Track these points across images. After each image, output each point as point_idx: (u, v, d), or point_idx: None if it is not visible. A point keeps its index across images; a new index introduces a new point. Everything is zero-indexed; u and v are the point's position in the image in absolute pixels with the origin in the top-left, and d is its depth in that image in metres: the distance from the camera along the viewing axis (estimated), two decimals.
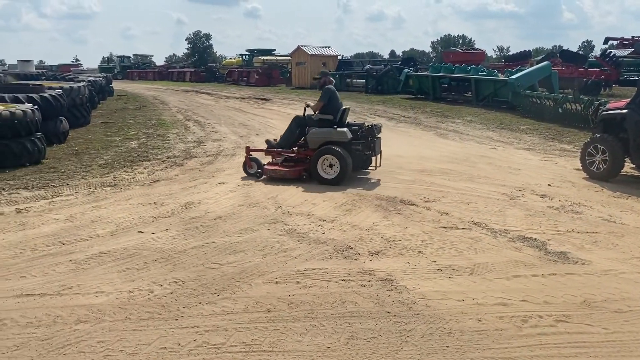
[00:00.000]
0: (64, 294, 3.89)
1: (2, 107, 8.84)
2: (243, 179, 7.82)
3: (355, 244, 4.98)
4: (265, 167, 7.86)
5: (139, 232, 5.35)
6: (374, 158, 7.98)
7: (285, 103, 22.02)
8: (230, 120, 15.79)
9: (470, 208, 6.27)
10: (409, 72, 24.57)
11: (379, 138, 8.06)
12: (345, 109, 8.02)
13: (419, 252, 4.82)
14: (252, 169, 8.02)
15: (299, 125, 8.10)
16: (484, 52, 43.49)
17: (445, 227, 5.53)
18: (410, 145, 11.11)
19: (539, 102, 15.72)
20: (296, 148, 7.97)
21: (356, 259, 4.61)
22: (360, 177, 7.93)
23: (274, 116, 17.03)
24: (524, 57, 33.39)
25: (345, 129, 7.63)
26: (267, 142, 8.47)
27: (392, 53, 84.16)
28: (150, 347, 3.20)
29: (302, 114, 8.17)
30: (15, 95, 10.44)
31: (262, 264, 4.53)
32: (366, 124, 8.10)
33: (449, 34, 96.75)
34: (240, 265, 4.50)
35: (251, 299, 3.85)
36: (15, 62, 44.30)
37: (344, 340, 3.27)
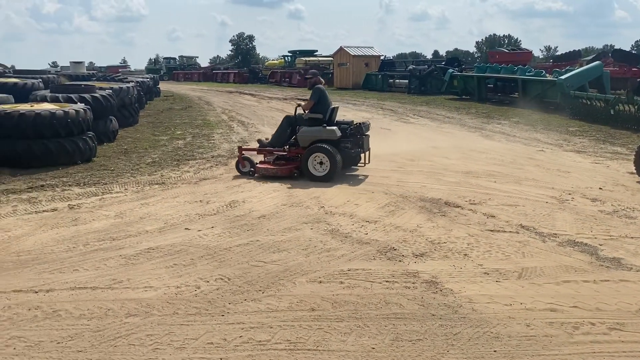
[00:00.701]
0: (114, 288, 4.01)
1: (57, 107, 9.19)
2: (269, 179, 7.87)
3: (399, 246, 4.94)
4: (257, 165, 8.03)
5: (186, 229, 5.46)
6: (362, 155, 8.24)
7: None
8: (272, 121, 15.91)
9: (518, 211, 6.12)
10: (453, 72, 24.21)
11: (368, 136, 8.29)
12: (334, 107, 8.27)
13: (465, 255, 4.74)
14: (245, 168, 8.18)
15: (289, 124, 8.32)
16: (531, 52, 42.41)
17: (491, 230, 5.42)
18: (455, 146, 10.94)
19: (589, 103, 15.21)
20: (287, 147, 8.14)
21: (400, 261, 4.57)
22: (403, 179, 7.85)
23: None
24: (573, 57, 32.45)
25: (334, 128, 7.87)
26: (259, 141, 8.68)
27: (436, 53, 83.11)
28: (198, 341, 3.26)
29: (297, 113, 8.36)
30: (69, 95, 10.84)
31: (306, 263, 4.55)
32: (355, 122, 8.32)
33: (494, 34, 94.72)
34: (284, 263, 4.53)
35: (295, 297, 3.87)
36: (67, 64, 46.08)
37: (388, 342, 3.25)
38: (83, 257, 4.63)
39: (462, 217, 5.87)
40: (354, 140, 8.00)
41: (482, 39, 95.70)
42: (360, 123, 8.27)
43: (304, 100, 8.83)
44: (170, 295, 3.89)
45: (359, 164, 8.38)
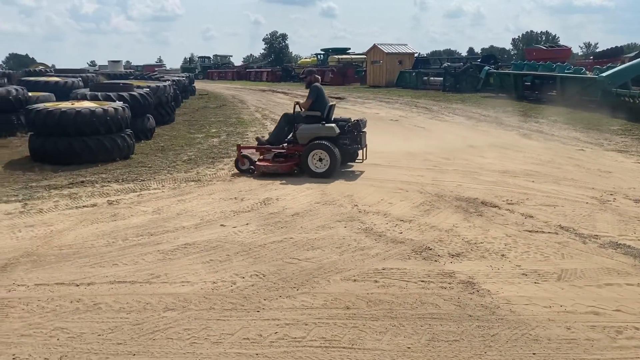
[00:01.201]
0: (152, 282, 4.09)
1: (96, 105, 9.42)
2: (306, 178, 7.87)
3: (434, 245, 4.89)
4: (257, 163, 8.07)
5: (221, 225, 5.53)
6: (360, 152, 8.33)
7: (360, 102, 22.00)
8: None
9: (557, 211, 5.97)
10: (489, 69, 23.81)
11: (365, 132, 8.39)
12: (331, 105, 8.38)
13: (502, 255, 4.65)
14: (245, 166, 8.22)
15: (287, 122, 8.43)
16: (570, 49, 41.37)
17: (530, 231, 5.30)
18: (491, 145, 10.75)
19: (632, 101, 14.73)
20: (285, 144, 8.27)
21: (436, 261, 4.52)
22: (438, 178, 7.76)
23: (349, 115, 16.96)
24: (615, 54, 31.50)
25: (333, 125, 8.02)
26: (258, 139, 8.76)
27: (471, 50, 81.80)
28: (234, 337, 3.29)
29: (294, 111, 8.47)
30: (107, 93, 11.11)
31: (340, 261, 4.54)
32: (352, 119, 8.38)
33: (531, 31, 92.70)
34: (318, 261, 4.53)
35: (330, 295, 3.87)
36: (105, 63, 47.27)
37: (424, 342, 3.22)
38: (122, 252, 4.73)
39: (499, 217, 5.77)
40: (352, 136, 8.10)
41: (518, 36, 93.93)
42: (358, 120, 8.36)
43: (300, 97, 9.06)
44: (206, 291, 3.94)
45: (356, 160, 8.45)
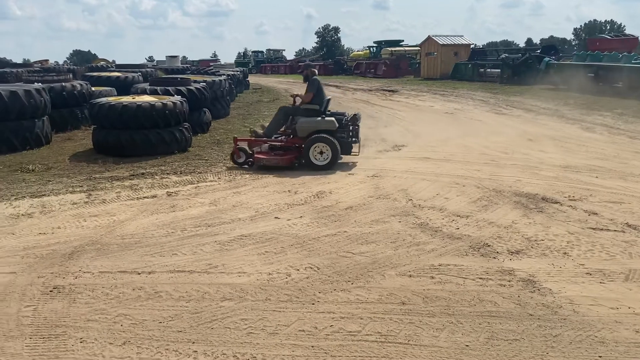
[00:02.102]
0: (210, 272, 4.17)
1: (155, 99, 9.70)
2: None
3: (492, 242, 4.76)
4: (257, 155, 8.04)
5: (276, 217, 5.58)
6: (355, 145, 8.30)
7: (414, 95, 21.68)
8: None
9: (623, 209, 5.69)
10: (550, 60, 22.93)
11: (359, 126, 8.43)
12: (328, 99, 8.46)
13: (565, 253, 4.47)
14: (241, 159, 8.21)
15: (286, 115, 8.42)
16: (637, 38, 39.21)
17: (594, 229, 5.08)
18: (552, 139, 10.36)
19: None
20: (284, 137, 8.31)
21: (494, 258, 4.40)
22: (496, 172, 7.55)
23: (402, 108, 16.86)
24: None
25: (332, 118, 8.07)
26: (253, 132, 8.69)
27: (529, 41, 79.19)
28: (289, 328, 3.32)
29: (294, 103, 8.65)
30: (166, 88, 11.42)
31: (395, 256, 4.49)
32: (348, 114, 8.45)
33: (594, 20, 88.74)
34: (373, 255, 4.50)
35: (385, 290, 3.83)
36: (162, 58, 48.64)
37: (483, 340, 3.14)
38: (181, 242, 4.86)
39: (561, 214, 5.55)
40: (348, 130, 8.19)
41: (580, 25, 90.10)
42: (354, 114, 8.49)
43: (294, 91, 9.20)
44: (262, 282, 3.99)
45: (352, 153, 8.35)
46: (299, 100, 8.61)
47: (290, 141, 8.20)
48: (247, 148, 8.28)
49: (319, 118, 8.09)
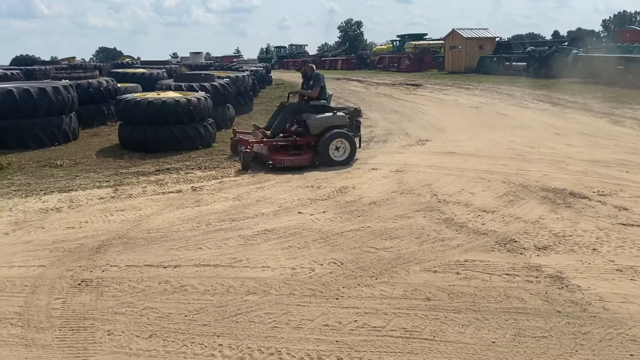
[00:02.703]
0: (235, 266, 4.20)
1: (180, 95, 9.78)
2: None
3: (519, 237, 4.68)
4: (276, 157, 7.70)
5: (299, 212, 5.58)
6: (356, 139, 8.24)
7: (438, 89, 21.47)
8: (381, 107, 15.81)
9: None
10: (578, 53, 22.45)
11: (360, 120, 8.65)
12: (330, 94, 8.47)
13: (594, 249, 4.38)
14: (239, 156, 8.01)
15: (292, 113, 8.20)
16: None
17: (624, 224, 4.96)
18: (580, 133, 10.15)
19: None
20: (296, 136, 8.02)
21: (521, 253, 4.33)
22: (522, 167, 7.42)
23: (426, 102, 16.70)
24: None
25: (342, 113, 8.10)
26: (257, 128, 8.54)
27: (556, 34, 77.54)
28: (314, 322, 3.32)
29: (301, 99, 8.36)
30: (190, 84, 11.50)
31: (419, 251, 4.45)
32: (350, 107, 8.61)
33: (624, 11, 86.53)
34: (397, 251, 4.47)
35: (409, 285, 3.80)
36: (186, 55, 49.04)
37: (510, 337, 3.09)
38: (206, 236, 4.90)
39: (589, 209, 5.44)
40: (351, 124, 8.25)
41: (609, 17, 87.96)
42: (355, 108, 8.63)
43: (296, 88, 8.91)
44: (286, 276, 4.00)
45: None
46: (296, 98, 8.55)
47: (302, 139, 8.00)
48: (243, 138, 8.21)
49: (331, 114, 7.99)
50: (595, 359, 2.88)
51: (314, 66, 8.76)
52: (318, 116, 7.89)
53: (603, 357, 2.90)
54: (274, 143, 8.04)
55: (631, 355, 2.91)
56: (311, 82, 8.24)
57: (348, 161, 7.87)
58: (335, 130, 7.82)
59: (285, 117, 8.21)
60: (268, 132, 8.19)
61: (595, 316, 3.32)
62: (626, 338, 3.07)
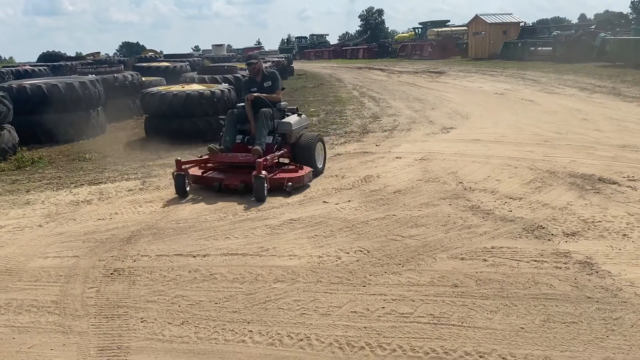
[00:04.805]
0: (262, 255, 4.25)
1: (204, 87, 9.88)
2: (412, 154, 7.72)
3: (547, 224, 4.63)
4: (280, 176, 6.08)
5: (324, 202, 5.61)
6: None
7: (461, 75, 21.22)
8: (404, 95, 15.71)
9: None
10: (605, 36, 21.93)
11: None
12: None
13: (624, 235, 4.31)
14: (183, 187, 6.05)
15: (238, 120, 6.60)
16: None
17: None
18: (609, 118, 9.95)
19: None
20: (284, 150, 6.49)
21: (549, 240, 4.29)
22: (549, 153, 7.32)
23: (450, 89, 16.53)
24: None
25: (303, 114, 7.13)
26: (215, 150, 6.32)
27: (582, 17, 75.66)
28: (341, 309, 3.35)
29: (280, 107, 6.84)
30: (213, 76, 11.61)
31: (446, 239, 4.45)
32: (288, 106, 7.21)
33: None
34: (423, 238, 4.47)
35: (436, 272, 3.81)
36: (207, 47, 49.39)
37: (539, 322, 3.08)
38: (233, 226, 4.97)
39: (619, 195, 5.34)
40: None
41: None
42: (295, 107, 7.27)
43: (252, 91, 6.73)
44: (313, 264, 4.04)
45: None
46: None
47: (287, 150, 6.59)
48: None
49: (297, 116, 6.87)
50: (626, 344, 2.85)
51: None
52: (293, 121, 6.66)
53: (635, 342, 2.87)
54: (273, 160, 6.26)
55: None
56: (268, 82, 6.77)
57: (323, 169, 6.88)
58: (311, 134, 6.87)
59: (232, 128, 6.55)
60: (217, 148, 6.37)
61: (627, 302, 3.28)
62: None
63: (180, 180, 6.00)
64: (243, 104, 6.66)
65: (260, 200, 5.69)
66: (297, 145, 6.58)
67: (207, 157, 6.42)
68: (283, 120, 6.66)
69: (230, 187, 6.00)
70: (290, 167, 6.40)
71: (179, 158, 6.22)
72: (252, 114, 6.48)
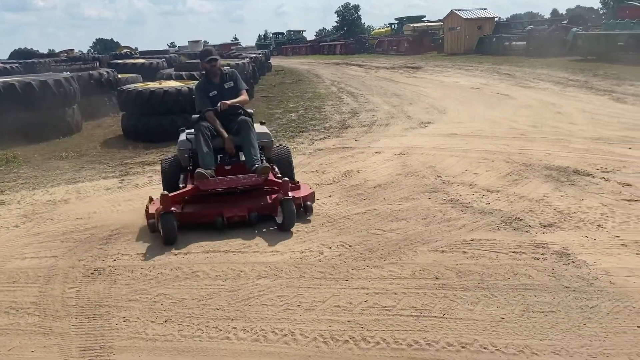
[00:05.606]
0: (244, 252, 4.25)
1: (181, 84, 9.80)
2: (396, 149, 7.78)
3: (524, 216, 4.72)
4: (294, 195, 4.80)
5: None
6: None
7: (438, 70, 21.40)
8: (382, 91, 15.79)
9: None
10: (577, 31, 22.33)
11: None
12: None
13: (599, 225, 4.42)
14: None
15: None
16: None
17: (628, 200, 4.99)
18: (582, 111, 10.15)
19: None
20: (279, 174, 5.19)
21: (527, 231, 4.37)
22: (525, 146, 7.44)
23: (427, 84, 16.67)
24: None
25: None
26: (205, 176, 4.85)
27: (555, 12, 76.80)
28: (325, 304, 3.38)
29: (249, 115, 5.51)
30: (191, 72, 11.51)
31: (426, 232, 4.50)
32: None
33: None
34: (404, 232, 4.52)
35: (417, 265, 3.86)
36: (183, 44, 48.86)
37: (518, 312, 3.15)
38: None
39: (593, 186, 5.47)
40: None
41: None
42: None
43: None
44: (296, 260, 4.05)
45: None
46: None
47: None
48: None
49: (261, 124, 5.89)
50: (603, 331, 2.93)
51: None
52: (268, 131, 5.71)
53: (611, 329, 2.95)
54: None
55: (638, 327, 2.95)
56: (230, 83, 5.63)
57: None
58: (284, 145, 6.16)
59: (255, 136, 5.30)
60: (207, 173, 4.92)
61: (602, 290, 3.37)
62: (633, 310, 3.12)
63: (170, 222, 4.45)
64: (198, 115, 5.43)
65: (289, 229, 4.64)
66: (275, 159, 5.58)
67: (194, 186, 4.90)
68: (259, 130, 5.47)
69: (235, 220, 4.74)
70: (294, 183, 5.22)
71: (166, 192, 4.62)
72: (221, 126, 5.29)
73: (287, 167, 5.59)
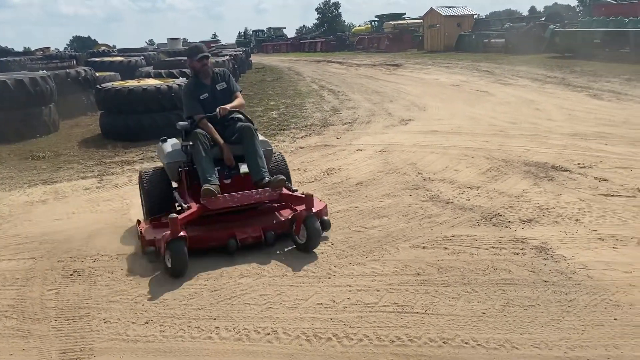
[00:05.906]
0: (225, 251, 4.22)
1: (160, 82, 9.70)
2: (379, 146, 7.81)
3: (504, 212, 4.78)
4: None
5: None
6: None
7: (418, 68, 21.51)
8: (362, 88, 15.81)
9: (634, 174, 5.68)
10: (555, 28, 22.63)
11: None
12: None
13: (577, 220, 4.49)
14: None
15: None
16: None
17: (605, 195, 5.08)
18: (560, 107, 10.30)
19: None
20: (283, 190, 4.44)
21: (507, 227, 4.43)
22: (504, 143, 7.53)
23: (407, 82, 16.73)
24: None
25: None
26: (212, 190, 4.20)
27: (532, 9, 77.74)
28: (308, 302, 3.38)
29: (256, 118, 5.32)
30: (170, 70, 11.40)
31: (407, 228, 4.53)
32: None
33: None
34: (385, 229, 4.54)
35: (399, 262, 3.88)
36: (162, 41, 48.32)
37: (499, 307, 3.19)
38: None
39: (571, 182, 5.56)
40: None
41: None
42: None
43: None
44: (278, 258, 4.04)
45: None
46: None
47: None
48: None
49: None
50: (581, 324, 2.98)
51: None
52: (265, 138, 5.02)
53: (588, 322, 3.00)
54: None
55: (615, 319, 3.01)
56: (222, 84, 4.93)
57: None
58: (278, 152, 5.59)
59: (259, 144, 4.68)
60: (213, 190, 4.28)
61: (580, 284, 3.42)
62: (610, 303, 3.18)
63: (181, 250, 3.82)
64: (187, 122, 4.73)
65: (313, 249, 4.15)
66: (273, 169, 4.91)
67: (201, 205, 4.23)
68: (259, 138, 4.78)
69: (249, 242, 4.21)
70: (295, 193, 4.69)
71: (175, 215, 3.92)
72: (219, 134, 4.66)
73: (285, 176, 4.69)
